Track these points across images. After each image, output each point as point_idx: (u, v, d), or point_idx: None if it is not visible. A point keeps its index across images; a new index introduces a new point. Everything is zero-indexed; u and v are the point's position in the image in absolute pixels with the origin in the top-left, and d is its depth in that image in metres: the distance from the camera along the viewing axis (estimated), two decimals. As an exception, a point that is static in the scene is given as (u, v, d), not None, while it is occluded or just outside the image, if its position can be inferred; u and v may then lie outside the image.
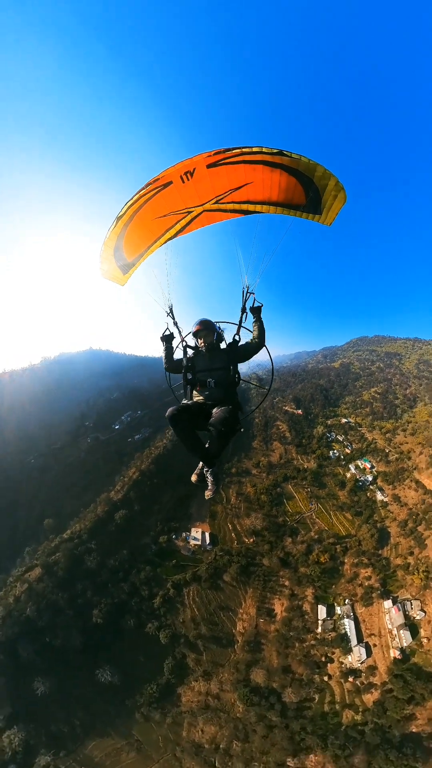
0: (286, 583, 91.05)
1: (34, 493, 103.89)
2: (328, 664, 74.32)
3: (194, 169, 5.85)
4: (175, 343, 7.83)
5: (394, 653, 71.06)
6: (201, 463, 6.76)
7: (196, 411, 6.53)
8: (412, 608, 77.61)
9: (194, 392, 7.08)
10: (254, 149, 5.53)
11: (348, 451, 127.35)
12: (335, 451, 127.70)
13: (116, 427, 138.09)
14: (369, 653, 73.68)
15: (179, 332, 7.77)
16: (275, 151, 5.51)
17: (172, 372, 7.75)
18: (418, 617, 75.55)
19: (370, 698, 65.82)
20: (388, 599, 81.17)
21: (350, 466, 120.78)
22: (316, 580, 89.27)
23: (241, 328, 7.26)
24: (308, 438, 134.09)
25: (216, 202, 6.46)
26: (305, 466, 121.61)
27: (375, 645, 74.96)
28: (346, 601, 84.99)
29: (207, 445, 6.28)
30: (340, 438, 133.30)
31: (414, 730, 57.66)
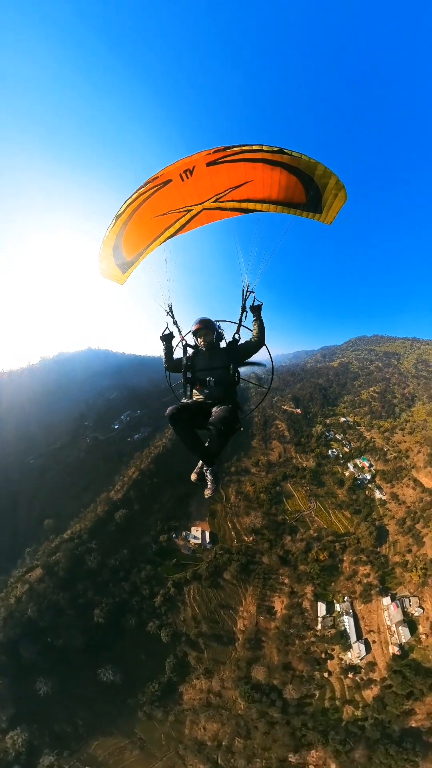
0: (286, 580, 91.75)
1: (33, 494, 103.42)
2: (328, 661, 75.21)
3: (194, 167, 5.80)
4: (174, 342, 7.80)
5: (393, 649, 72.08)
6: (200, 461, 6.74)
7: (195, 410, 6.52)
8: (410, 605, 78.68)
9: (194, 391, 7.09)
10: (254, 147, 5.47)
11: (347, 449, 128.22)
12: (334, 450, 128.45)
13: (116, 426, 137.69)
14: (368, 650, 74.66)
15: (179, 331, 7.74)
16: (275, 149, 5.45)
17: (172, 371, 7.75)
18: (416, 614, 76.62)
19: (369, 694, 66.78)
20: (387, 596, 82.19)
21: (349, 464, 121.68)
22: (315, 578, 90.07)
23: (241, 327, 7.23)
24: (307, 437, 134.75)
25: (215, 201, 6.43)
26: (304, 465, 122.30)
27: (374, 641, 75.98)
28: (346, 598, 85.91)
29: (206, 444, 6.28)
30: (338, 437, 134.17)
31: (413, 725, 58.69)
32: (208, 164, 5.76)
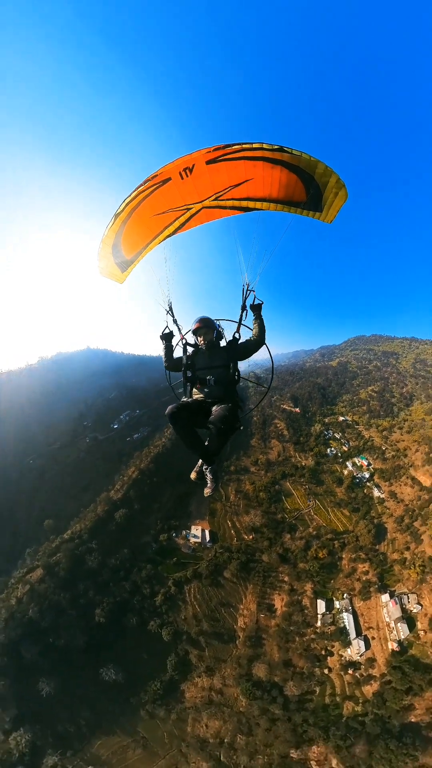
0: (286, 578, 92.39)
1: (33, 494, 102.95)
2: (328, 657, 75.95)
3: (193, 166, 5.76)
4: (174, 341, 7.79)
5: (392, 645, 72.93)
6: (200, 460, 6.74)
7: (195, 409, 6.53)
8: (409, 602, 79.63)
9: (194, 390, 7.09)
10: (254, 145, 5.44)
11: (345, 448, 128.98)
12: (333, 449, 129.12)
13: (115, 426, 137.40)
14: (368, 646, 75.52)
15: (179, 330, 7.72)
16: (276, 147, 5.42)
17: (172, 370, 7.74)
18: (414, 610, 77.59)
19: (369, 690, 67.58)
20: (386, 593, 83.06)
21: (347, 463, 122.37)
22: (314, 576, 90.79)
23: (241, 326, 7.21)
24: (306, 436, 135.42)
25: (215, 199, 6.40)
26: (303, 464, 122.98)
27: (373, 638, 76.87)
28: (345, 595, 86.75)
29: (206, 443, 6.26)
30: (337, 436, 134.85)
31: (413, 720, 59.54)
32: (208, 162, 5.72)
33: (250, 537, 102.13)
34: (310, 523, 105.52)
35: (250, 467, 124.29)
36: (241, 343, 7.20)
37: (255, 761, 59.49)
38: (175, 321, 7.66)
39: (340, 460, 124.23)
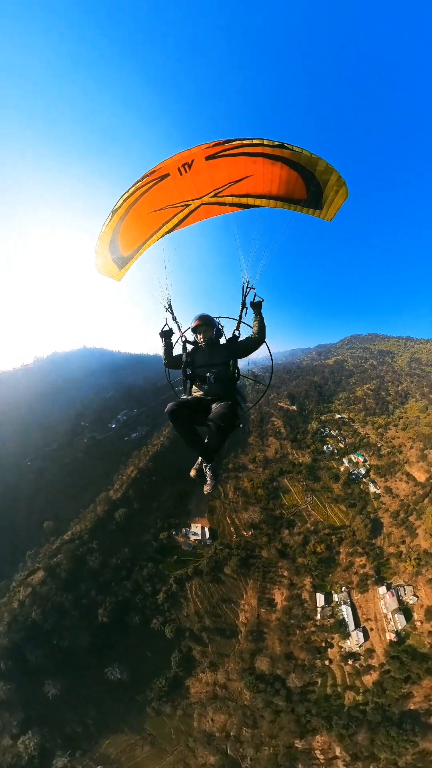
0: (285, 573, 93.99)
1: (32, 496, 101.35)
2: (329, 649, 77.99)
3: (192, 161, 5.68)
4: (174, 338, 7.74)
5: (390, 636, 75.38)
6: (200, 458, 6.74)
7: (195, 406, 6.51)
8: (405, 594, 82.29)
9: (194, 388, 7.08)
10: (255, 141, 5.38)
11: (342, 445, 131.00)
12: (329, 446, 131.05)
13: (113, 426, 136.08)
14: (366, 637, 77.83)
15: (178, 327, 7.68)
16: (276, 143, 5.36)
17: (172, 367, 7.68)
18: (411, 602, 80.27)
19: (369, 679, 69.85)
20: (383, 586, 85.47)
21: (344, 459, 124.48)
22: (313, 570, 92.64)
23: (241, 324, 7.17)
24: (303, 433, 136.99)
25: (214, 195, 6.33)
26: (300, 461, 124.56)
27: (372, 629, 79.28)
28: (343, 588, 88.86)
29: (206, 441, 6.26)
30: (333, 433, 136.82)
31: (412, 708, 61.98)
32: (207, 158, 5.64)
33: (249, 533, 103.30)
34: (308, 518, 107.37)
35: (248, 465, 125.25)
36: (241, 340, 7.15)
37: (261, 753, 61.05)
38: (174, 318, 7.60)
39: (337, 457, 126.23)
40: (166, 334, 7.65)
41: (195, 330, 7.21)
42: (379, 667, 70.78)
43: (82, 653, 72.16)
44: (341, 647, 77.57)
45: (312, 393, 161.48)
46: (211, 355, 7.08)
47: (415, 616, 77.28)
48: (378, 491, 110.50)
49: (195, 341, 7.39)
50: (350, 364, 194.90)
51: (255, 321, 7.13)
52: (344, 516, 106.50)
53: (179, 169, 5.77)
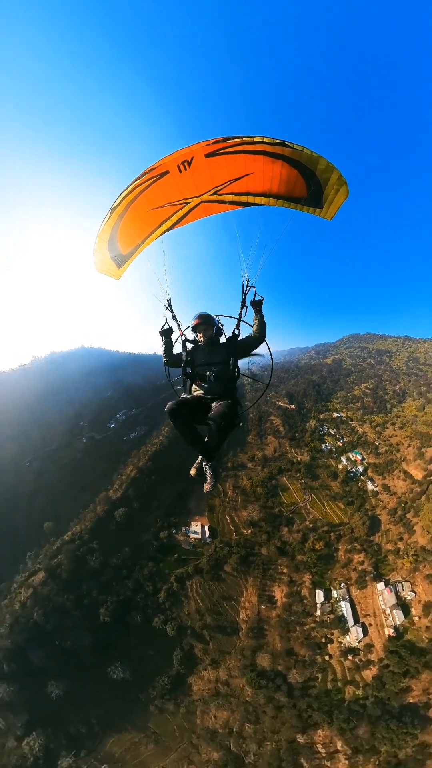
0: (285, 570, 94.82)
1: (31, 497, 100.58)
2: (328, 645, 79.11)
3: (192, 159, 5.66)
4: (174, 336, 7.75)
5: (389, 631, 76.72)
6: (200, 457, 6.75)
7: (195, 405, 6.51)
8: (403, 589, 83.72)
9: (194, 386, 7.10)
10: (255, 139, 5.36)
11: (340, 443, 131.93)
12: (327, 444, 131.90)
13: (111, 425, 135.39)
14: (365, 632, 79.10)
15: (178, 326, 7.68)
16: (277, 141, 5.34)
17: (172, 366, 7.69)
18: (409, 597, 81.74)
19: (369, 674, 71.09)
20: (381, 582, 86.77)
21: (342, 458, 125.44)
22: (312, 567, 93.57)
23: (241, 322, 7.17)
24: (301, 432, 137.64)
25: (214, 193, 6.32)
26: (299, 459, 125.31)
27: (370, 625, 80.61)
28: (342, 584, 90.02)
29: (206, 439, 6.29)
30: (332, 431, 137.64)
31: (411, 701, 63.33)
32: (207, 155, 5.61)
33: (249, 531, 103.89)
34: (307, 516, 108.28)
35: (247, 463, 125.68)
36: (241, 339, 7.16)
37: (264, 748, 61.95)
38: (174, 317, 7.58)
39: (335, 455, 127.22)
40: (166, 333, 7.63)
41: (195, 329, 7.20)
42: (379, 662, 72.06)
43: (85, 653, 72.28)
44: (341, 643, 78.74)
45: (310, 392, 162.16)
46: (211, 354, 7.06)
47: (413, 611, 78.71)
48: (376, 489, 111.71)
49: (195, 340, 7.38)
50: (348, 363, 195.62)
51: (255, 320, 7.13)
52: (342, 513, 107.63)
53: (179, 167, 5.72)
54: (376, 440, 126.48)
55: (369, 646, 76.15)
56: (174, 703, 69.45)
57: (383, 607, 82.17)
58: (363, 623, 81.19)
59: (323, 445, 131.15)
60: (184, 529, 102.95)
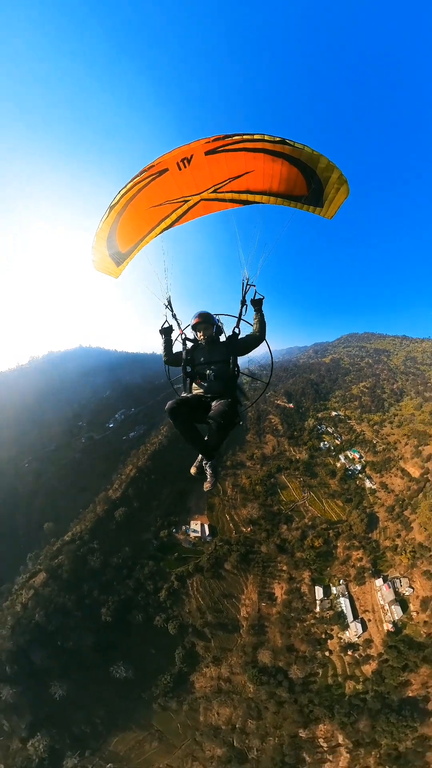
0: (284, 567, 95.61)
1: (31, 498, 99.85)
2: (328, 641, 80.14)
3: (192, 156, 5.64)
4: (174, 335, 7.76)
5: (388, 627, 77.96)
6: (200, 455, 6.79)
7: (195, 404, 6.55)
8: (401, 585, 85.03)
9: (194, 385, 7.14)
10: (255, 137, 5.36)
11: (338, 442, 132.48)
12: (326, 443, 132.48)
13: (110, 425, 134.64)
14: (365, 628, 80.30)
15: (178, 325, 7.70)
16: (277, 139, 5.33)
17: (172, 365, 7.70)
18: (407, 593, 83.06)
19: (368, 669, 72.29)
20: (379, 578, 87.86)
21: (340, 456, 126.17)
22: (311, 564, 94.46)
23: (241, 321, 7.17)
24: (300, 430, 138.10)
25: (214, 191, 6.30)
26: (297, 457, 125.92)
27: (369, 620, 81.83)
28: (341, 581, 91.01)
29: (206, 438, 6.30)
30: (330, 430, 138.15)
31: (410, 695, 64.59)
32: (207, 153, 5.59)
33: (249, 529, 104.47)
34: (306, 514, 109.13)
35: (246, 462, 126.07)
36: (241, 338, 7.16)
37: (266, 743, 62.83)
38: (174, 315, 7.59)
39: (333, 454, 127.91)
40: (166, 331, 7.62)
41: (195, 327, 7.19)
42: (378, 657, 73.28)
43: (87, 653, 72.38)
44: (340, 638, 79.87)
45: (309, 391, 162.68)
46: (211, 353, 7.05)
47: (411, 606, 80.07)
48: (374, 487, 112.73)
49: (195, 339, 7.37)
50: (346, 362, 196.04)
51: (255, 318, 7.11)
52: (341, 511, 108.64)
53: (178, 164, 5.68)
54: (374, 438, 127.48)
55: (368, 642, 77.35)
56: (177, 700, 69.98)
57: (382, 602, 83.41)
58: (362, 619, 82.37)
59: (321, 444, 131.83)
60: (184, 527, 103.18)
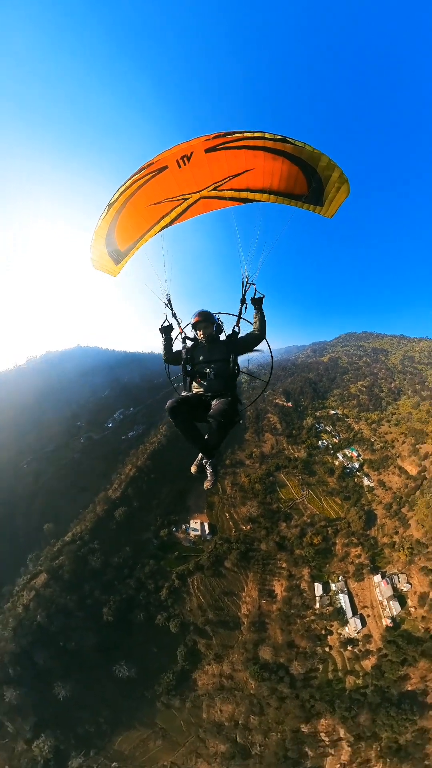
0: (284, 565, 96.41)
1: (30, 499, 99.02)
2: (328, 636, 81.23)
3: (191, 154, 5.58)
4: (174, 334, 7.76)
5: (386, 622, 79.35)
6: (200, 454, 6.80)
7: (195, 403, 6.57)
8: (399, 581, 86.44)
9: (194, 384, 7.15)
10: (256, 134, 5.29)
11: (336, 440, 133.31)
12: (324, 441, 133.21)
13: (109, 425, 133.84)
14: (364, 623, 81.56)
15: (178, 323, 7.68)
16: (278, 137, 5.27)
17: (172, 363, 7.71)
18: (405, 589, 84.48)
19: (368, 664, 73.55)
20: (378, 574, 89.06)
21: (338, 454, 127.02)
22: (311, 561, 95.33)
23: (241, 320, 7.17)
24: (298, 429, 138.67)
25: (214, 189, 6.27)
26: (296, 456, 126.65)
27: (368, 616, 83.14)
28: (340, 577, 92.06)
29: (206, 437, 6.30)
30: (328, 428, 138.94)
31: (409, 689, 65.93)
32: (207, 150, 5.54)
33: (248, 527, 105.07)
34: (305, 511, 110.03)
35: (244, 460, 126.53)
36: (241, 337, 7.17)
37: (269, 738, 63.72)
38: (174, 314, 7.56)
39: (331, 452, 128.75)
40: (166, 330, 7.60)
41: (195, 326, 7.15)
42: (377, 652, 74.58)
43: (90, 653, 72.45)
44: (340, 634, 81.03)
45: (307, 389, 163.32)
46: (211, 352, 7.03)
47: (409, 602, 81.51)
48: (372, 484, 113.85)
49: (195, 337, 7.34)
50: (345, 361, 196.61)
51: (256, 317, 7.11)
52: (339, 508, 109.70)
53: (178, 162, 5.63)
54: (372, 437, 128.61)
55: (367, 637, 78.67)
56: (180, 698, 70.50)
57: (380, 598, 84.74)
58: (361, 615, 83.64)
59: (320, 442, 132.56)
60: (183, 526, 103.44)
